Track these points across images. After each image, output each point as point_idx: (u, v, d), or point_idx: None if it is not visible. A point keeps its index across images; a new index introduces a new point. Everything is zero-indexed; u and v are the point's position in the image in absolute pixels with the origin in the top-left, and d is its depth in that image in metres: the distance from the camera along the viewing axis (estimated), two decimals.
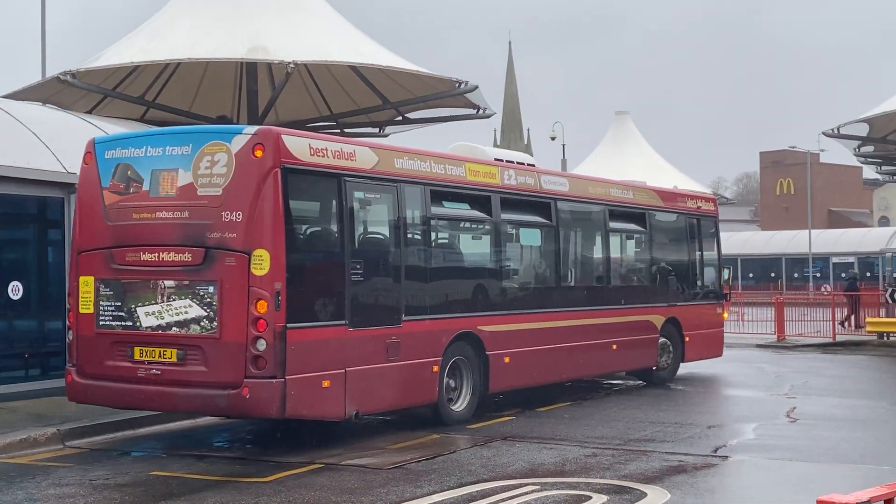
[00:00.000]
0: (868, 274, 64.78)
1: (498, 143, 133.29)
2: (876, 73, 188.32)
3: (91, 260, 12.90)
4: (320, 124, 25.09)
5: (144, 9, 55.95)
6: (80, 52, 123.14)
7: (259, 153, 11.95)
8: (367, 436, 13.16)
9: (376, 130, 25.41)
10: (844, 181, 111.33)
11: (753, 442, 12.58)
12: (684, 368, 20.37)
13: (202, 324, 12.03)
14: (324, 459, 11.27)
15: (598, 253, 18.41)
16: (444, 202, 14.75)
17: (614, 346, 18.33)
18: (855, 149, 32.55)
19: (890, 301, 29.58)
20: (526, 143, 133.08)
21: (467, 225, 15.64)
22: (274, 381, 11.73)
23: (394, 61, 21.60)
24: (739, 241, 68.50)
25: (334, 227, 12.87)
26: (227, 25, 21.07)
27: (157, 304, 12.31)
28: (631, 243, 19.55)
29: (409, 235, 14.02)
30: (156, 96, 23.78)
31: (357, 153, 13.14)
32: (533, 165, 17.07)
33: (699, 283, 21.25)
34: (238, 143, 12.06)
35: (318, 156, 12.57)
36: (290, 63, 19.72)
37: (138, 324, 12.45)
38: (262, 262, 11.75)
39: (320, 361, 12.32)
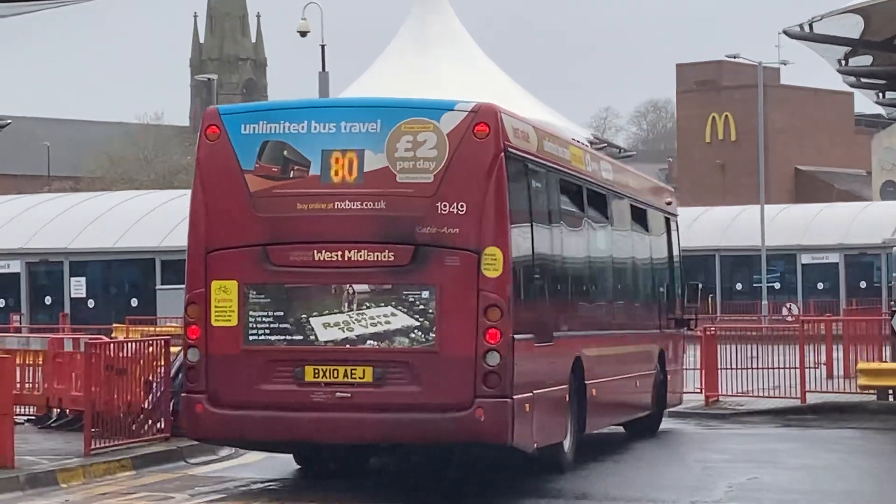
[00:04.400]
0: (864, 283, 52.27)
1: (202, 41, 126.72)
2: None
3: (230, 260, 13.71)
4: None
5: None
6: None
7: (482, 134, 13.43)
8: None
9: None
10: (823, 118, 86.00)
11: None
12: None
13: (412, 335, 13.41)
14: None
15: (631, 262, 19.93)
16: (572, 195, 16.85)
17: (637, 383, 20.02)
18: (840, 60, 27.40)
19: None
20: (254, 39, 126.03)
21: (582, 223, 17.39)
22: (508, 400, 13.39)
23: None
24: None
25: (532, 221, 14.62)
26: None
27: (341, 312, 13.47)
28: (642, 250, 20.59)
29: (563, 236, 16.13)
30: None
31: (529, 133, 14.75)
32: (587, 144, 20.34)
33: (678, 304, 22.47)
34: (450, 120, 13.50)
35: (519, 138, 14.23)
36: None
37: (312, 337, 13.51)
38: (494, 263, 13.38)
39: (528, 380, 13.93)
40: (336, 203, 13.50)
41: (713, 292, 53.37)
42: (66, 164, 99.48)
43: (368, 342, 13.42)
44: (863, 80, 29.77)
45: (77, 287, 43.04)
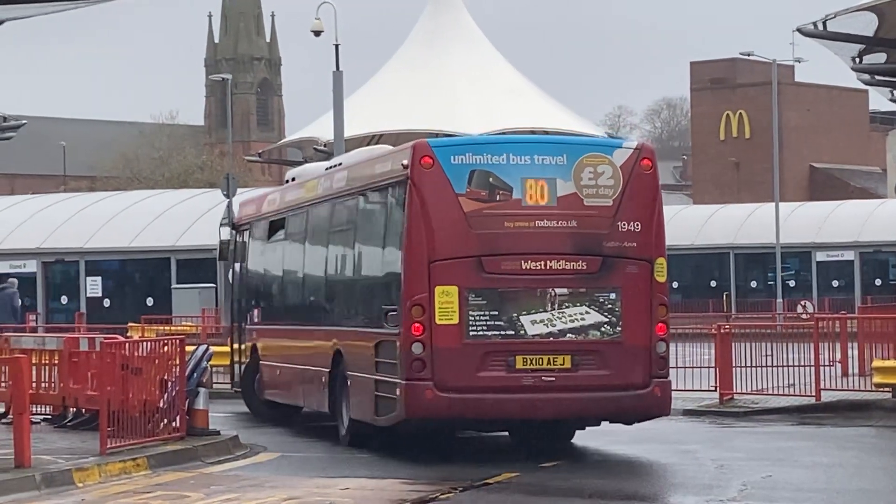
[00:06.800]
0: (879, 281, 51.25)
1: (216, 41, 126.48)
2: None
3: (451, 269, 16.21)
4: None
5: None
6: None
7: (648, 166, 16.77)
8: None
9: None
10: (838, 116, 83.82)
11: None
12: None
13: (603, 329, 16.44)
14: None
15: None
16: None
17: None
18: (854, 58, 26.95)
19: None
20: (268, 39, 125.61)
21: None
22: (669, 380, 17.17)
23: None
24: None
25: None
26: None
27: (545, 311, 16.30)
28: None
29: None
30: None
31: None
32: None
33: None
34: (621, 155, 16.68)
35: None
36: None
37: (522, 332, 16.26)
38: (663, 270, 16.69)
39: None
40: (536, 221, 16.36)
41: (728, 290, 52.59)
42: (81, 163, 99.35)
43: (568, 335, 16.37)
44: (877, 77, 29.23)
45: (93, 286, 42.85)
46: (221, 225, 24.20)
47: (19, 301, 33.59)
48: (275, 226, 22.28)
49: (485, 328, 16.23)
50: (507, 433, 19.35)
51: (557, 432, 18.59)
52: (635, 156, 16.64)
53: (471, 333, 16.18)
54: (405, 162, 16.43)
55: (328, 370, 18.65)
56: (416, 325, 16.11)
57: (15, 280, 34.69)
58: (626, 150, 16.71)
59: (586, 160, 16.50)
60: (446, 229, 16.25)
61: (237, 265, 24.18)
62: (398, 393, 16.26)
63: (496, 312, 16.24)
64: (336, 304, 19.11)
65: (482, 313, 16.24)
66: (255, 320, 22.94)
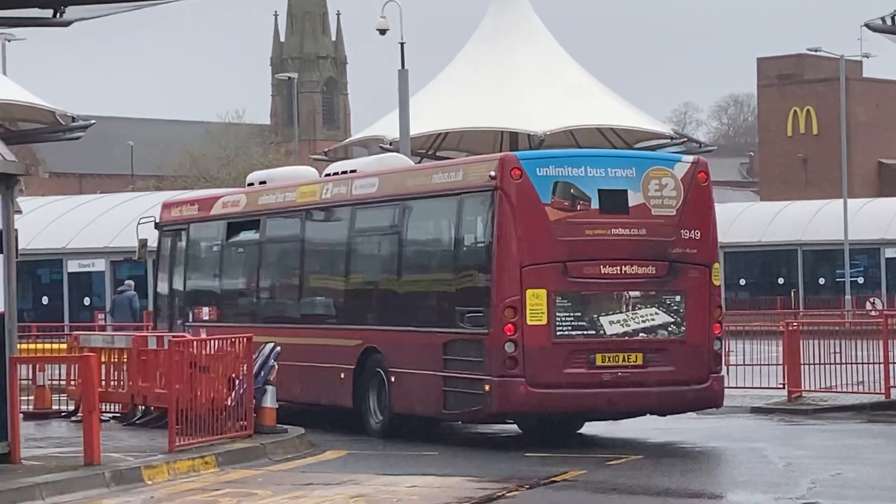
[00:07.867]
0: None
1: (282, 40, 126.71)
2: None
3: (540, 274, 17.36)
4: None
5: None
6: None
7: (703, 178, 18.10)
8: None
9: (49, 14, 18.36)
10: None
11: None
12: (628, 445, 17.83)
13: (669, 329, 17.75)
14: None
15: None
16: None
17: None
18: None
19: None
20: (334, 37, 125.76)
21: None
22: (723, 375, 18.56)
23: None
24: (723, 219, 50.63)
25: None
26: None
27: (621, 312, 17.59)
28: None
29: None
30: None
31: None
32: None
33: None
34: (681, 169, 18.04)
35: None
36: None
37: (602, 332, 17.51)
38: (717, 274, 18.24)
39: None
40: (612, 230, 17.61)
41: (795, 287, 51.99)
42: (148, 163, 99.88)
43: (640, 334, 17.64)
44: None
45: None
46: (141, 223, 23.67)
47: (138, 303, 34.00)
48: (241, 227, 22.44)
49: (570, 328, 17.42)
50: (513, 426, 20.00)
51: (566, 425, 19.52)
52: (693, 169, 17.96)
53: (558, 333, 17.35)
54: (493, 173, 17.45)
55: (352, 367, 19.19)
56: (510, 325, 17.21)
57: (132, 282, 35.12)
58: (685, 164, 18.06)
59: (652, 173, 17.72)
60: (535, 236, 17.37)
61: (175, 265, 24.03)
62: (487, 389, 17.33)
63: (579, 313, 17.43)
64: (369, 306, 19.61)
65: (567, 314, 17.42)
66: (206, 318, 22.88)
